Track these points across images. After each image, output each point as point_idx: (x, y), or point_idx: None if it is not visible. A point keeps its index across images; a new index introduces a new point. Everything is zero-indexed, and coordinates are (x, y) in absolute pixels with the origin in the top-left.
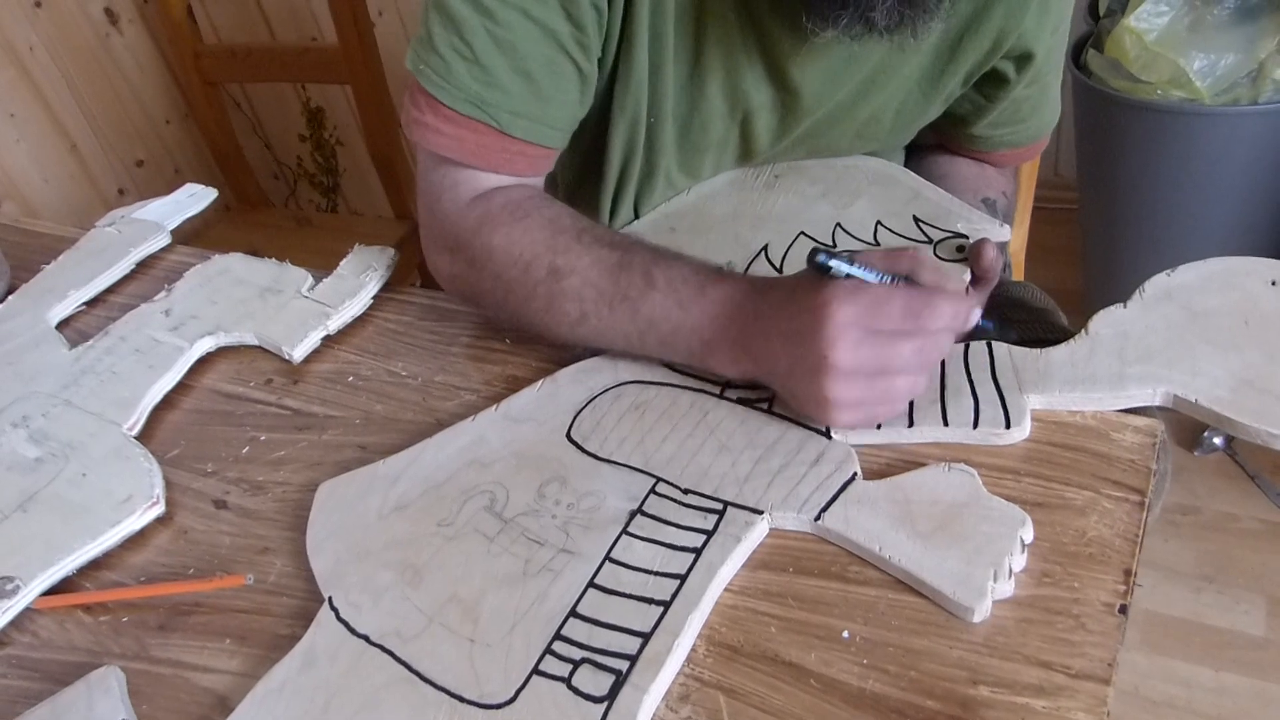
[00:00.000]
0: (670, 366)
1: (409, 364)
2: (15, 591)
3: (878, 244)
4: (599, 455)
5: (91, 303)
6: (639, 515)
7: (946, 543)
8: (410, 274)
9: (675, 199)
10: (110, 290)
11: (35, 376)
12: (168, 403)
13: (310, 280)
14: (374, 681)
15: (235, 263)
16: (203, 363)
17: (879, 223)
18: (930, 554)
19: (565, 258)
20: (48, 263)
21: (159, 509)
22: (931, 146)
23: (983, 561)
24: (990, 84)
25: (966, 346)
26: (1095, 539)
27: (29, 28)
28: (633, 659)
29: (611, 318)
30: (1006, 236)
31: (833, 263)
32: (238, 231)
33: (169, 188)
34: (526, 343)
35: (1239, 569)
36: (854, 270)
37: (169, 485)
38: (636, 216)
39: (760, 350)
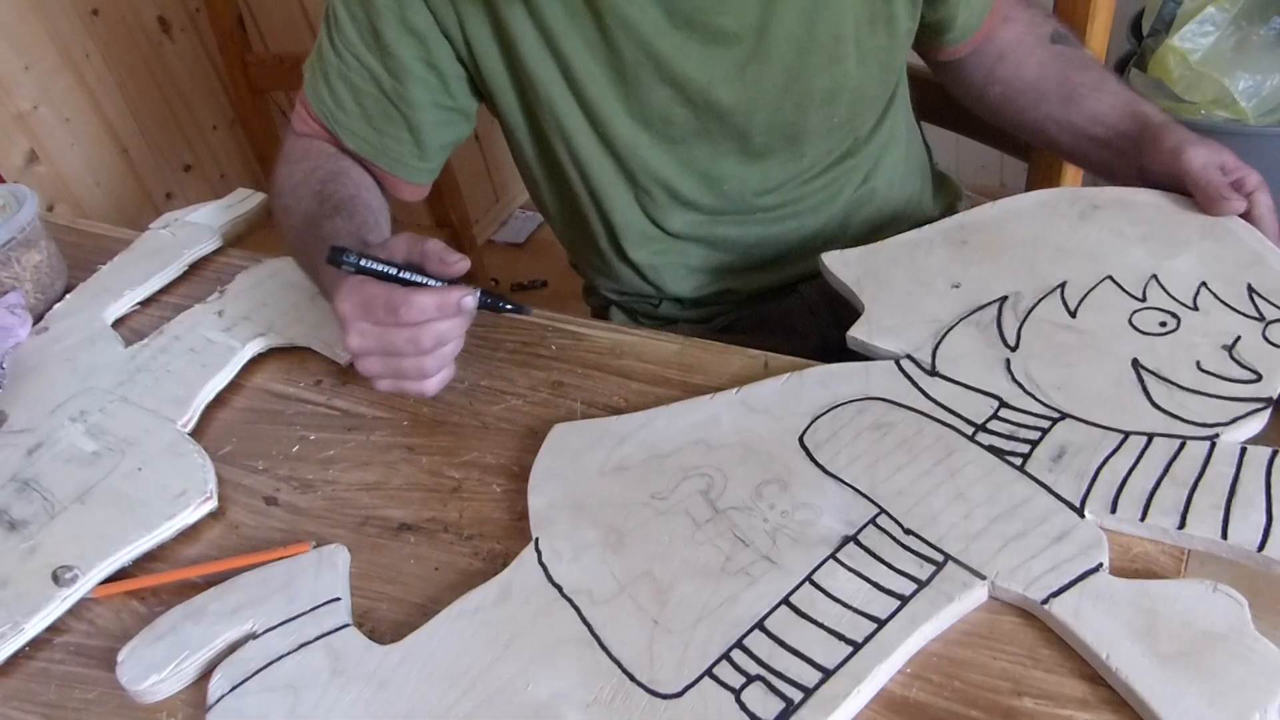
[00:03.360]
0: (929, 397)
1: (457, 368)
2: (74, 580)
3: (1196, 309)
4: (826, 468)
5: (146, 302)
6: (852, 543)
7: (1190, 674)
8: None
9: (976, 210)
10: (164, 290)
11: (92, 373)
12: (220, 401)
13: None
14: (557, 634)
15: (287, 266)
16: (254, 363)
17: (1204, 284)
18: (1167, 681)
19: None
20: (103, 263)
21: (212, 504)
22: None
23: (1229, 708)
24: None
25: (1275, 454)
26: None
27: (85, 35)
28: (808, 691)
29: (304, 229)
30: None
31: (344, 258)
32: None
33: (215, 193)
34: (570, 350)
35: None
36: (363, 264)
37: (221, 481)
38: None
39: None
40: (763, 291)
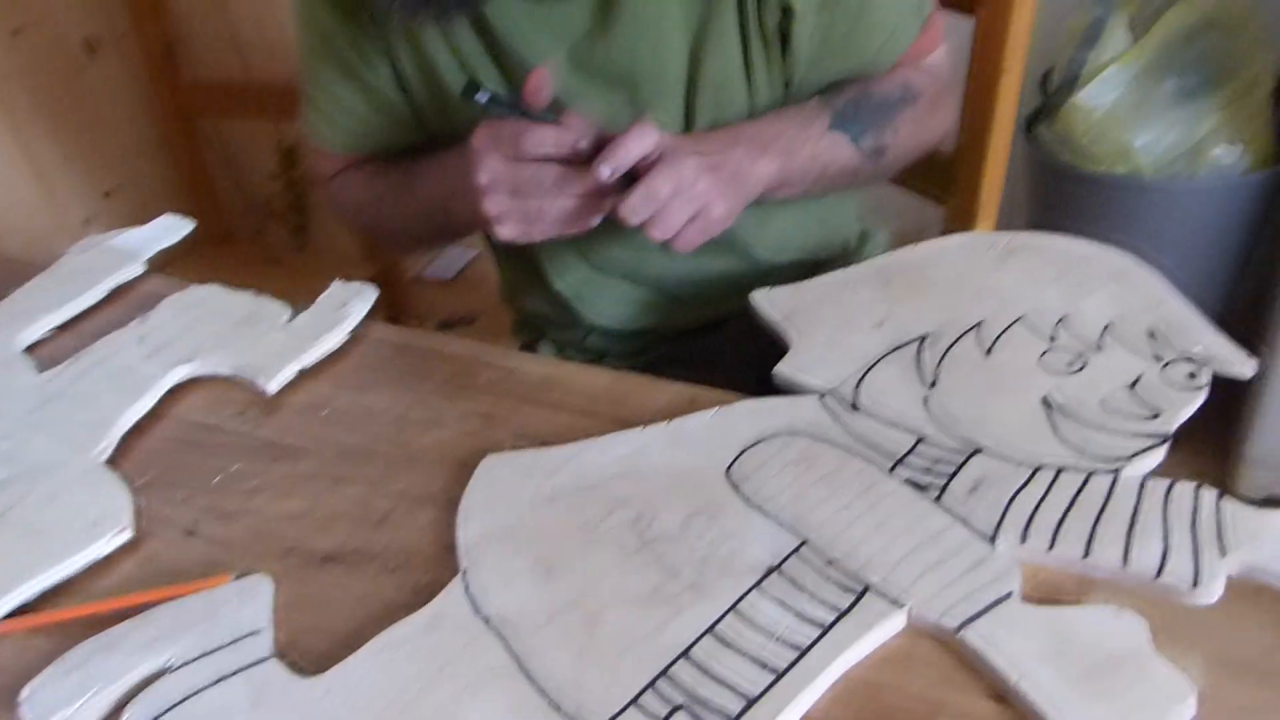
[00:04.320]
0: (851, 432)
1: (383, 398)
2: None
3: (1101, 349)
4: (752, 500)
5: (62, 328)
6: (775, 573)
7: (1095, 695)
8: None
9: (901, 251)
10: (82, 316)
11: (3, 399)
12: (139, 430)
13: (288, 313)
14: (484, 664)
15: (212, 294)
16: (176, 392)
17: (1108, 325)
18: (1074, 701)
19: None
20: (16, 287)
21: (127, 534)
22: None
23: None
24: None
25: (1171, 486)
26: None
27: (3, 56)
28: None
29: (398, 204)
30: (1247, 372)
31: (478, 95)
32: (206, 266)
33: (136, 220)
34: (500, 382)
35: None
36: (495, 103)
37: (138, 512)
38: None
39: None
40: (690, 328)
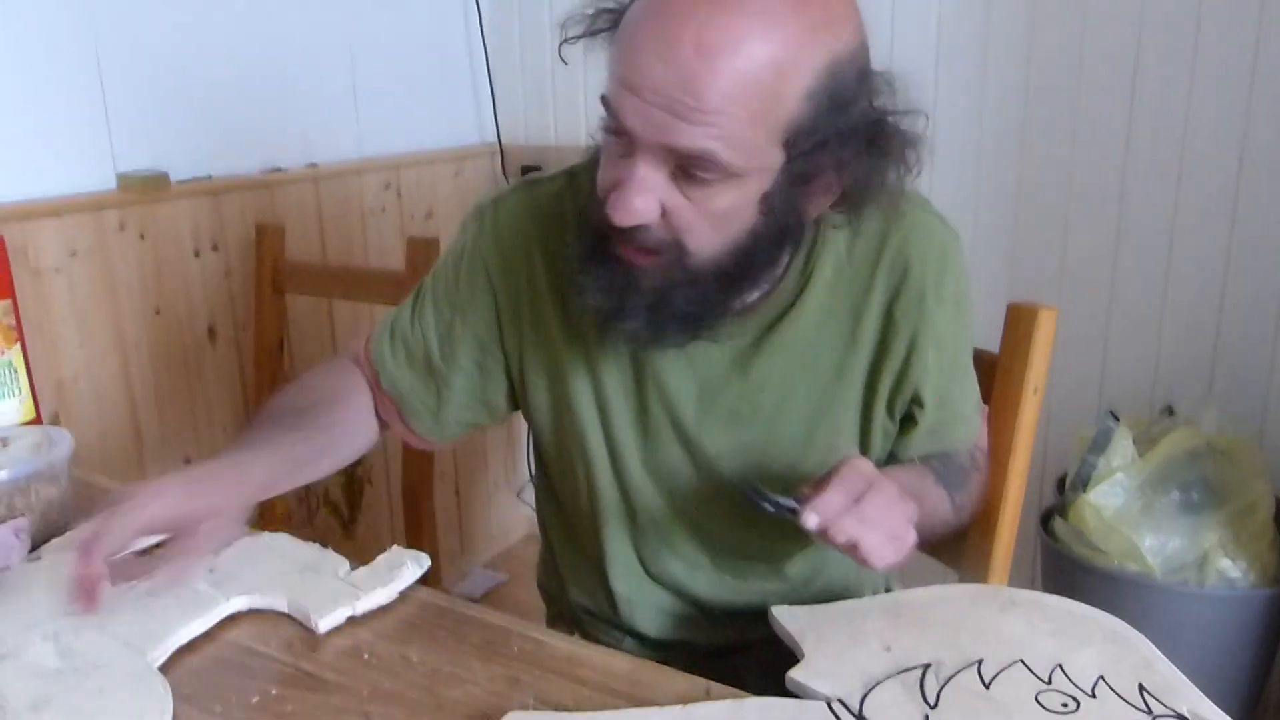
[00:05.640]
0: None
1: (420, 652)
2: None
3: (1094, 697)
4: None
5: (141, 552)
6: None
7: None
8: None
9: (912, 590)
10: (160, 544)
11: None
12: (189, 647)
13: (347, 566)
14: None
15: (281, 540)
16: (230, 619)
17: (1101, 677)
18: None
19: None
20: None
21: None
22: None
23: None
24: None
25: None
26: None
27: (142, 328)
28: None
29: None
30: None
31: (764, 504)
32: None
33: None
34: (530, 653)
35: None
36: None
37: (176, 717)
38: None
39: None
40: (720, 647)
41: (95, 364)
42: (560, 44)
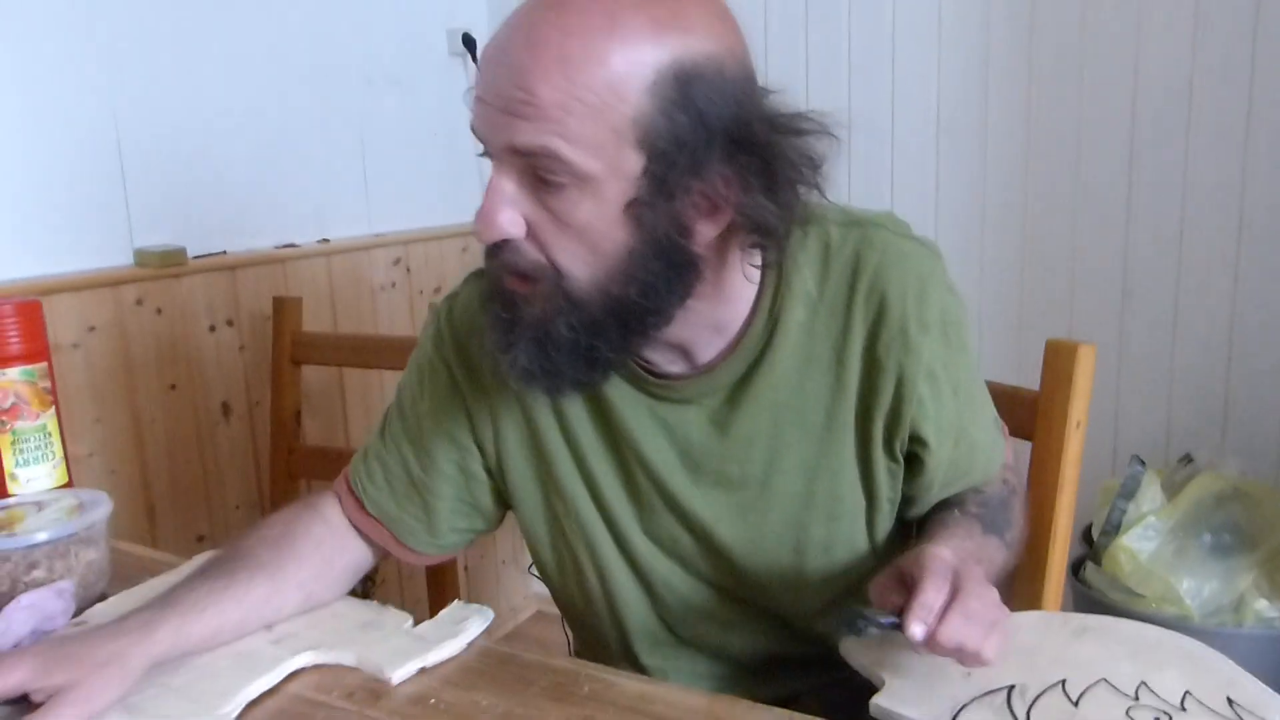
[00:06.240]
0: None
1: (490, 697)
2: None
3: (1185, 710)
4: None
5: None
6: None
7: None
8: None
9: None
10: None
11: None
12: (253, 704)
13: (411, 621)
14: None
15: (336, 601)
16: (292, 675)
17: (1188, 693)
18: None
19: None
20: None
21: None
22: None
23: None
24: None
25: None
26: None
27: (158, 404)
28: None
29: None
30: None
31: (860, 626)
32: None
33: None
34: (602, 693)
35: None
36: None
37: None
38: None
39: None
40: (769, 702)
41: (110, 439)
42: None
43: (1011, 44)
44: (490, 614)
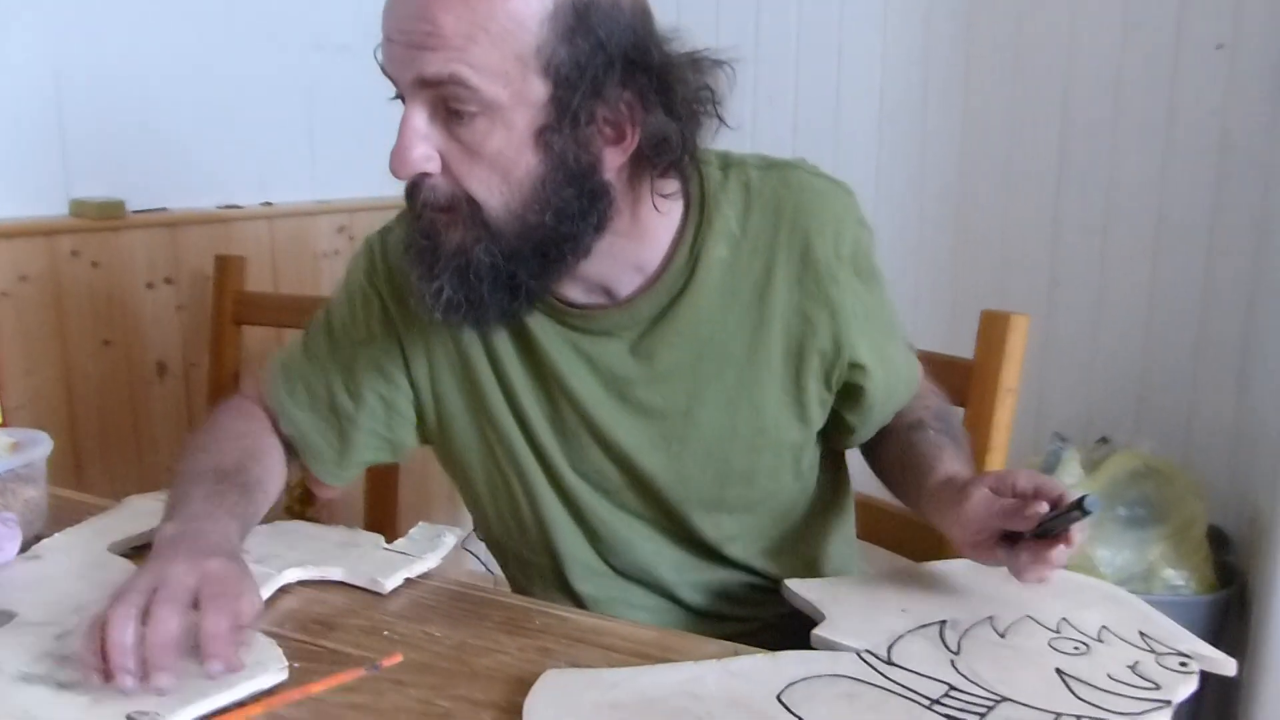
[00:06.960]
0: (888, 678)
1: (443, 629)
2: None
3: (1101, 642)
4: None
5: (143, 547)
6: None
7: None
8: None
9: (920, 565)
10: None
11: (111, 586)
12: None
13: (383, 539)
14: None
15: (305, 525)
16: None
17: (1105, 627)
18: None
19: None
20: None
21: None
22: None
23: None
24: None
25: None
26: None
27: (91, 360)
28: None
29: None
30: (1230, 670)
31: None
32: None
33: None
34: (555, 626)
35: None
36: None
37: None
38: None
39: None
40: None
41: (40, 393)
42: None
43: (951, 39)
44: (460, 532)
